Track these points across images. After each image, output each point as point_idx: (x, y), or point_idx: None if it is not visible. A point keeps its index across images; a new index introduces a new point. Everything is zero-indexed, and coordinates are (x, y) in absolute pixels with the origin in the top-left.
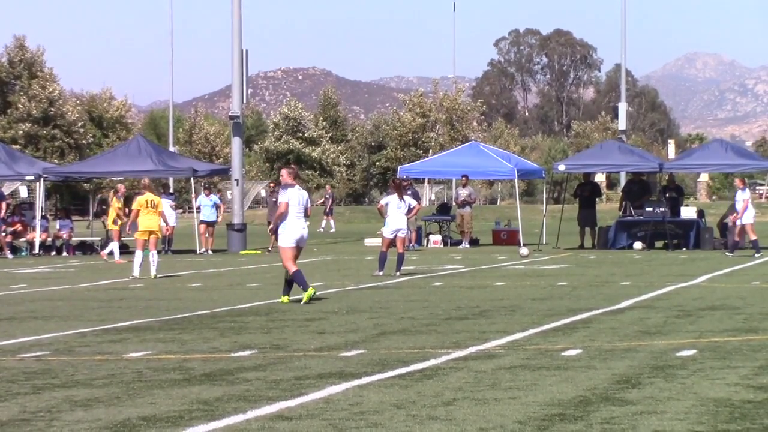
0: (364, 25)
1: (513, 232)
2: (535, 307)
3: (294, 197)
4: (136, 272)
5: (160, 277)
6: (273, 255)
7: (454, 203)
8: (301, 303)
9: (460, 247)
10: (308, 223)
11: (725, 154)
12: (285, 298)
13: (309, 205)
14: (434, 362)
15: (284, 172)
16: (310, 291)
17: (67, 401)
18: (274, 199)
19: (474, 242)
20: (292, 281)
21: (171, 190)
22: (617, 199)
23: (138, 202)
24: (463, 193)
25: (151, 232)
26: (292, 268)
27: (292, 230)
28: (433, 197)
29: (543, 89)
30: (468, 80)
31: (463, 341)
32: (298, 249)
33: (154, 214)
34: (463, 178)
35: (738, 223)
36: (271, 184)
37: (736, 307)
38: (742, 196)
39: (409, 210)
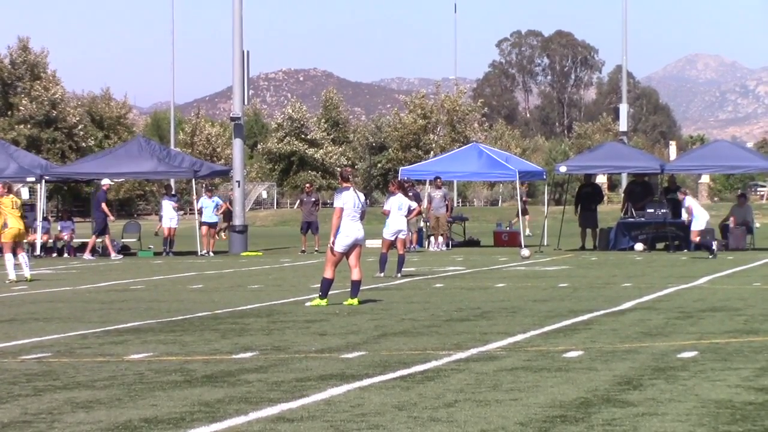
0: (366, 26)
1: (514, 234)
2: (536, 309)
3: (349, 201)
4: (12, 275)
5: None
6: (273, 256)
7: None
8: (306, 304)
9: (432, 249)
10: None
11: (726, 155)
12: (354, 300)
13: (365, 207)
14: (435, 364)
15: (339, 175)
16: (323, 302)
17: (68, 403)
18: (314, 199)
19: (474, 243)
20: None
21: (173, 192)
22: (618, 201)
23: (3, 203)
24: (438, 194)
25: (18, 234)
26: (329, 274)
27: (345, 235)
28: None
29: (544, 90)
30: (469, 81)
31: (464, 343)
32: (353, 249)
33: (18, 215)
34: (437, 180)
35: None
36: (307, 186)
37: (737, 309)
38: (684, 204)
39: (410, 212)
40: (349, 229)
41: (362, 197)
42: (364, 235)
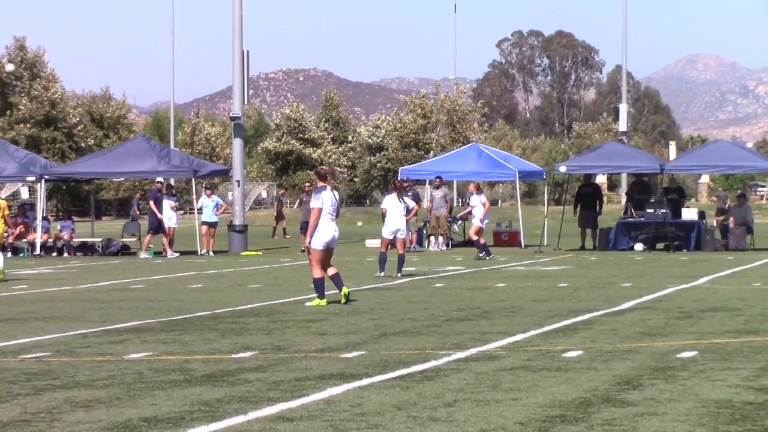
0: (366, 26)
1: (514, 234)
2: (536, 309)
3: (327, 200)
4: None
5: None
6: (273, 256)
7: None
8: (306, 304)
9: (432, 249)
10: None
11: (726, 155)
12: (345, 289)
13: (340, 206)
14: (435, 363)
15: (314, 174)
16: (323, 302)
17: (67, 402)
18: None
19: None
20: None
21: (173, 191)
22: (618, 201)
23: None
24: (438, 194)
25: None
26: (318, 273)
27: (324, 233)
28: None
29: (544, 91)
30: (469, 82)
31: (463, 342)
32: (329, 251)
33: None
34: (437, 180)
35: (476, 223)
36: (307, 185)
37: (736, 309)
38: (475, 201)
39: (408, 211)
40: (328, 228)
41: (337, 196)
42: (339, 235)
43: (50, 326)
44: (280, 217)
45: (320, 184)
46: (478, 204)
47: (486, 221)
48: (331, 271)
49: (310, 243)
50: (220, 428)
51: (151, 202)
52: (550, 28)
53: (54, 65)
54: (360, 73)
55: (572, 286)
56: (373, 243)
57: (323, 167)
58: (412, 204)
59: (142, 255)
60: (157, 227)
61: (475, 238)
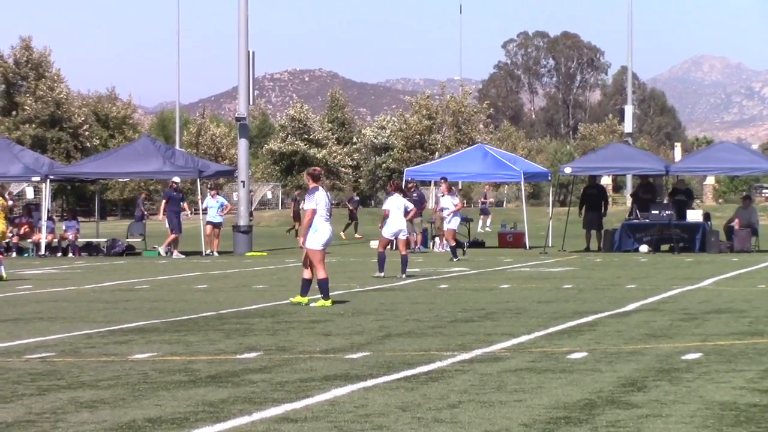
0: (371, 27)
1: (519, 235)
2: (541, 310)
3: (321, 201)
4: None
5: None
6: (278, 257)
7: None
8: (310, 305)
9: (437, 250)
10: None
11: (732, 156)
12: (305, 299)
13: (331, 206)
14: (439, 365)
15: (305, 175)
16: (327, 303)
17: (72, 402)
18: None
19: (478, 244)
20: (309, 283)
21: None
22: (623, 202)
23: None
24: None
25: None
26: (321, 273)
27: (322, 233)
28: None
29: (549, 92)
30: (474, 83)
31: (468, 344)
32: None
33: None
34: (442, 181)
35: (447, 226)
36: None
37: (741, 311)
38: (446, 202)
39: (406, 212)
40: (324, 228)
41: (329, 196)
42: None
43: (55, 326)
44: (297, 218)
45: (312, 185)
46: (449, 206)
47: (456, 219)
48: (306, 274)
49: (304, 244)
50: (224, 429)
51: (163, 202)
52: (556, 29)
53: (59, 65)
54: (365, 74)
55: (577, 287)
56: (377, 244)
57: (315, 168)
58: (410, 205)
59: (162, 250)
60: (179, 226)
61: (453, 243)
